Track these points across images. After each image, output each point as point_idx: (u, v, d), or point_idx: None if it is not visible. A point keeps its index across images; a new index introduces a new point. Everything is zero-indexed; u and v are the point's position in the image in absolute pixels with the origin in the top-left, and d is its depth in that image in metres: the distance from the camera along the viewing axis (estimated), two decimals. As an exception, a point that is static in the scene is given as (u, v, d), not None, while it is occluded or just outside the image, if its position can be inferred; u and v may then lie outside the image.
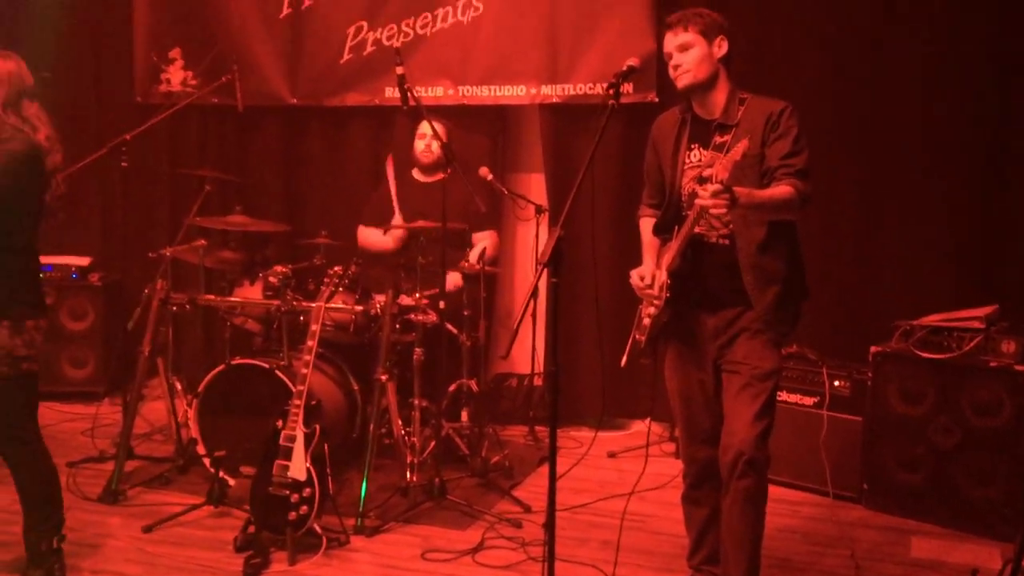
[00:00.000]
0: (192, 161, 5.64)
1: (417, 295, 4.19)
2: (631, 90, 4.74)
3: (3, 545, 3.50)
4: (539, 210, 5.00)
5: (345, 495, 3.99)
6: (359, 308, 4.27)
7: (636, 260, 3.16)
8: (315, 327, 3.71)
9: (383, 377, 3.99)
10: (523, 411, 5.14)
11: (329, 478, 3.60)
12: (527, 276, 5.46)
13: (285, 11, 5.50)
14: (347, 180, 5.57)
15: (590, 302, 4.91)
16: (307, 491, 3.50)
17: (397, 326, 4.21)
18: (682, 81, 2.94)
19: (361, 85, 5.42)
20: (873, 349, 4.09)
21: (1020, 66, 4.31)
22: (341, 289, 3.96)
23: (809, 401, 4.24)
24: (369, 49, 5.38)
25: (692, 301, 3.00)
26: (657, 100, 4.80)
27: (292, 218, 5.46)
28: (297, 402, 3.57)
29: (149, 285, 4.40)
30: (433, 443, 4.20)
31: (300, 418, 3.55)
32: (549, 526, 2.66)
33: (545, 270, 2.53)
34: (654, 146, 3.16)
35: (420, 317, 4.17)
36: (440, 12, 5.25)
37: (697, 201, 2.66)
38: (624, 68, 2.82)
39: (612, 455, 4.75)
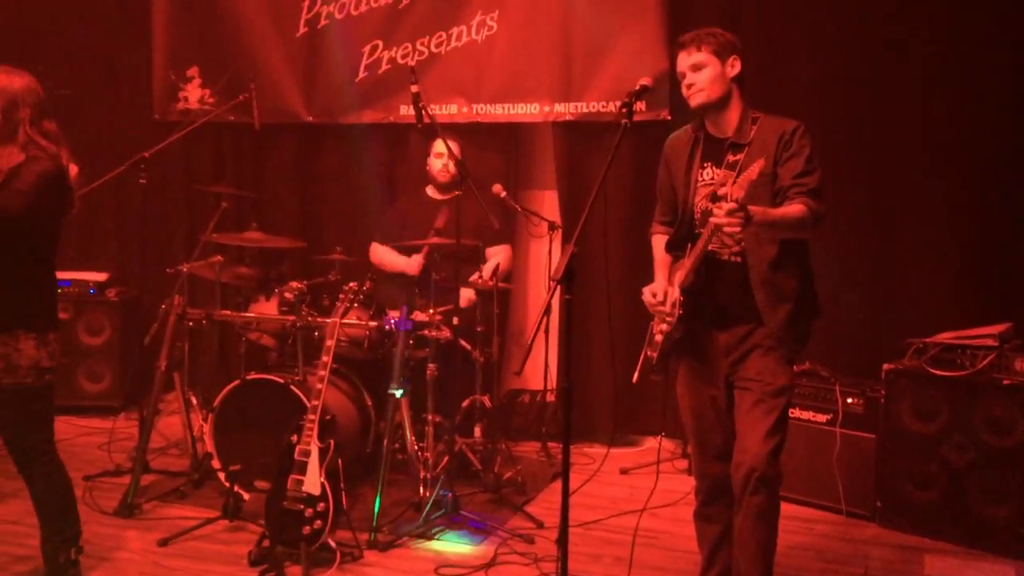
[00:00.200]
0: (208, 178, 5.70)
1: (431, 311, 4.21)
2: (644, 108, 4.76)
3: (21, 558, 3.53)
4: (552, 227, 5.03)
5: (359, 510, 4.00)
6: (373, 324, 4.30)
7: (648, 277, 3.18)
8: (330, 342, 3.74)
9: (397, 392, 4.01)
10: (536, 427, 5.15)
11: (343, 493, 3.61)
12: (540, 292, 5.48)
13: (302, 30, 5.57)
14: (362, 197, 5.61)
15: (602, 318, 4.93)
16: (321, 506, 3.52)
17: (411, 342, 4.24)
18: (695, 100, 2.97)
19: (376, 103, 5.48)
20: (886, 366, 4.09)
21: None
22: (356, 305, 3.99)
23: (822, 418, 4.24)
24: (384, 67, 5.44)
25: (704, 318, 3.02)
26: (670, 118, 4.83)
27: (307, 234, 5.50)
28: (312, 417, 3.60)
29: (166, 300, 4.44)
30: (446, 458, 4.21)
31: (315, 433, 3.58)
32: (562, 542, 2.67)
33: (558, 287, 2.55)
34: (666, 164, 3.18)
35: (434, 333, 4.19)
36: (455, 31, 5.31)
37: (712, 219, 2.68)
38: (637, 87, 2.85)
39: (624, 471, 4.75)
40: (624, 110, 2.78)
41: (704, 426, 3.12)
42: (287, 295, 4.31)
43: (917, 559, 3.78)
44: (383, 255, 5.01)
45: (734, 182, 2.81)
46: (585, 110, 5.12)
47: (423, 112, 4.07)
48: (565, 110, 5.16)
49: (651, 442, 5.18)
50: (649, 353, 3.11)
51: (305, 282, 4.39)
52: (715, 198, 2.89)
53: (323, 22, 5.53)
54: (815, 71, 4.71)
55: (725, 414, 3.06)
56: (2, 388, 3.01)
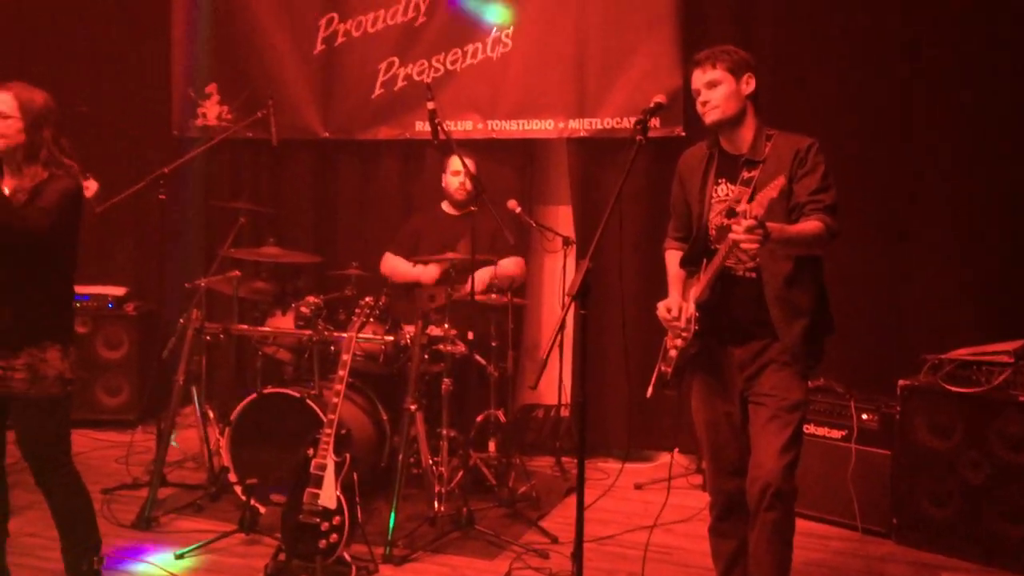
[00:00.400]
0: (226, 193, 5.76)
1: (446, 326, 4.23)
2: (658, 124, 4.77)
3: (42, 571, 3.56)
4: (566, 242, 5.05)
5: (374, 524, 4.02)
6: (389, 338, 4.32)
7: (662, 292, 3.20)
8: (346, 357, 3.76)
9: (412, 407, 4.04)
10: (550, 442, 5.16)
11: (358, 507, 3.63)
12: (554, 307, 5.50)
13: (319, 48, 5.63)
14: (377, 212, 5.66)
15: (617, 333, 4.93)
16: (337, 519, 3.53)
17: (426, 356, 4.26)
18: (710, 117, 2.99)
19: (392, 119, 5.53)
20: (901, 383, 4.08)
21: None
22: (371, 319, 4.02)
23: (837, 434, 4.23)
24: (400, 84, 5.49)
25: (719, 333, 3.03)
26: (684, 134, 4.85)
27: (323, 249, 5.53)
28: (328, 431, 3.62)
29: (184, 315, 4.48)
30: (461, 473, 4.22)
31: (331, 447, 3.60)
32: (577, 557, 2.68)
33: (573, 303, 2.57)
34: (681, 180, 3.20)
35: (449, 348, 4.21)
36: (470, 48, 5.35)
37: (731, 235, 2.70)
38: (651, 105, 2.88)
39: (639, 487, 4.75)
40: (639, 127, 2.80)
41: (719, 441, 3.12)
42: (303, 310, 4.35)
43: (933, 576, 3.77)
44: (396, 265, 5.01)
45: (750, 199, 2.83)
46: (599, 126, 5.16)
47: (439, 128, 4.11)
48: (579, 126, 5.19)
49: (665, 457, 5.17)
50: (663, 368, 3.12)
51: (321, 297, 4.43)
52: (732, 214, 2.91)
53: (340, 40, 5.59)
54: (829, 87, 4.72)
55: (740, 430, 3.06)
56: (28, 399, 3.06)
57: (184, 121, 5.90)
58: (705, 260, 3.01)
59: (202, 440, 4.57)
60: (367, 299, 3.99)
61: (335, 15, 5.58)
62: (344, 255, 5.31)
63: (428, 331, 4.26)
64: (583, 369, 2.79)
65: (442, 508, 4.04)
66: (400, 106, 5.49)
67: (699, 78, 2.99)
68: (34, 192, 3.01)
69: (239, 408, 4.18)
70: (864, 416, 4.18)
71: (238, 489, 4.13)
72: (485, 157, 5.18)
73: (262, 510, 4.00)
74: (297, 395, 4.10)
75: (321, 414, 3.88)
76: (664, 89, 4.66)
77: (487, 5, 5.30)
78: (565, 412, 5.22)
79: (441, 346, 4.23)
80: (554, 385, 5.08)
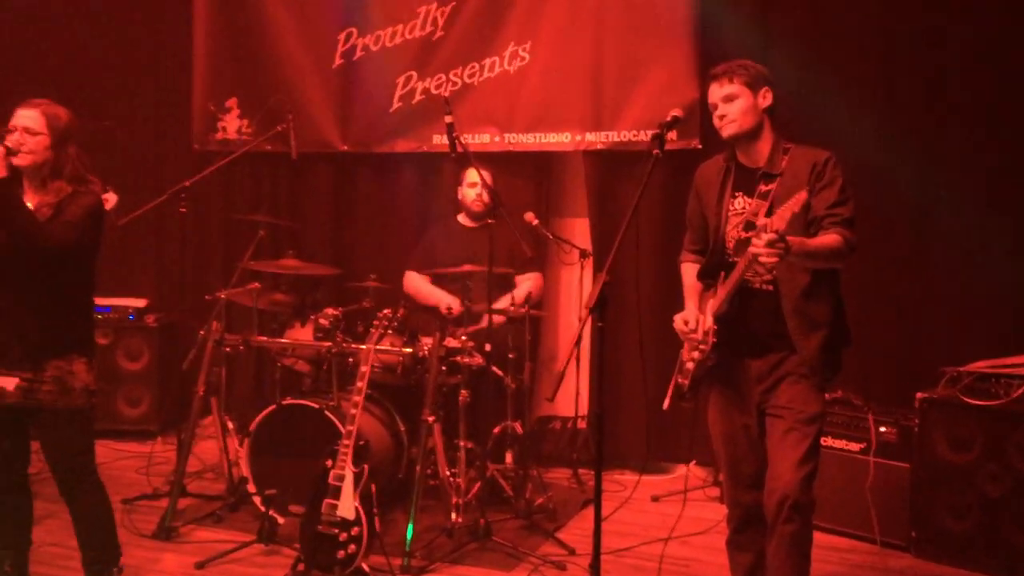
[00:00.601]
0: (246, 206, 5.81)
1: (463, 338, 4.25)
2: (675, 136, 4.81)
3: (63, 579, 3.60)
4: (583, 254, 5.06)
5: (391, 535, 4.02)
6: (407, 350, 4.35)
7: (679, 304, 3.21)
8: (364, 369, 3.79)
9: (429, 418, 4.05)
10: (567, 453, 5.16)
11: (376, 517, 3.65)
12: (571, 319, 5.51)
13: (337, 62, 5.68)
14: (395, 225, 5.69)
15: (633, 345, 4.92)
16: (355, 530, 3.55)
17: (443, 368, 4.28)
18: (727, 131, 3.00)
19: (410, 132, 5.57)
20: (919, 395, 4.07)
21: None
22: (389, 331, 4.04)
23: (855, 447, 4.21)
24: (418, 98, 5.53)
25: (737, 346, 3.03)
26: (700, 147, 4.86)
27: (342, 262, 5.57)
28: (346, 442, 3.64)
29: (204, 326, 4.52)
30: (478, 484, 4.23)
31: (349, 458, 3.62)
32: (594, 568, 2.69)
33: (591, 315, 2.59)
34: (697, 193, 3.22)
35: (466, 359, 4.23)
36: (487, 62, 5.39)
37: (751, 249, 2.71)
38: (668, 119, 2.90)
39: (656, 499, 4.74)
40: (656, 141, 2.82)
41: (736, 454, 3.13)
42: (322, 322, 4.37)
43: (953, 590, 3.75)
44: (419, 285, 5.05)
45: (767, 212, 2.84)
46: (616, 139, 5.18)
47: (456, 142, 4.14)
48: (596, 139, 5.22)
49: (682, 469, 5.15)
50: (680, 380, 3.13)
51: (340, 309, 4.45)
52: (750, 227, 2.91)
53: (359, 54, 5.64)
54: (846, 100, 4.72)
55: (757, 442, 3.06)
56: (57, 411, 3.10)
57: (204, 135, 5.96)
58: (722, 273, 3.02)
59: (221, 451, 4.60)
60: (385, 311, 4.00)
61: (354, 30, 5.64)
62: (362, 267, 5.34)
63: (445, 343, 4.28)
64: (600, 381, 2.81)
65: (459, 519, 4.05)
66: (418, 119, 5.53)
67: (716, 92, 3.01)
68: (58, 207, 3.07)
69: (258, 419, 4.21)
70: (882, 429, 4.17)
71: (257, 500, 4.15)
72: (502, 170, 5.21)
73: (281, 521, 4.02)
74: (316, 406, 4.12)
75: (339, 425, 3.90)
76: (681, 102, 4.69)
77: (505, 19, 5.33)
78: (582, 424, 5.22)
79: (458, 358, 4.25)
80: (571, 397, 5.09)
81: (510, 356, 4.51)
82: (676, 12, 5.01)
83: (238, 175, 5.92)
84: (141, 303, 5.73)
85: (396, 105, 5.58)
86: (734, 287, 2.94)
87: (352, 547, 3.55)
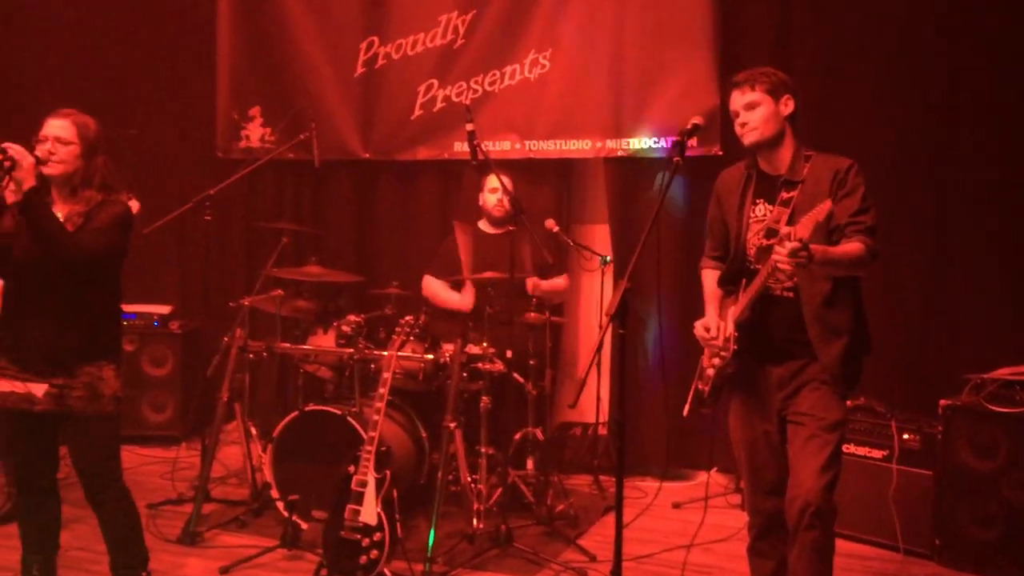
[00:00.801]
0: (269, 214, 5.86)
1: (484, 344, 4.27)
2: (695, 143, 4.77)
3: (90, 583, 3.65)
4: (604, 261, 5.07)
5: (413, 540, 4.05)
6: (428, 357, 4.37)
7: (699, 311, 3.21)
8: (387, 375, 3.81)
9: (451, 424, 4.07)
10: (587, 460, 5.16)
11: (398, 523, 3.67)
12: (592, 325, 5.52)
13: (359, 71, 5.72)
14: (417, 232, 5.73)
15: (654, 352, 4.95)
16: (377, 535, 3.57)
17: (465, 375, 4.30)
18: (749, 138, 3.01)
19: (431, 140, 5.60)
20: (943, 402, 4.05)
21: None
22: (411, 338, 4.06)
23: (878, 454, 4.19)
24: (439, 105, 5.57)
25: (758, 353, 3.03)
26: (721, 153, 4.87)
27: (364, 268, 5.61)
28: (369, 448, 3.66)
29: (228, 333, 4.56)
30: (499, 490, 4.25)
31: (371, 464, 3.64)
32: (616, 575, 2.69)
33: (612, 322, 2.60)
34: (718, 200, 3.22)
35: (487, 366, 4.24)
36: (508, 69, 5.42)
37: (773, 257, 2.71)
38: (689, 126, 2.90)
39: (677, 505, 4.74)
40: (676, 149, 2.83)
41: (757, 461, 3.12)
42: (344, 328, 4.41)
43: (977, 599, 3.72)
44: (436, 289, 5.08)
45: (789, 219, 2.84)
46: (637, 146, 5.19)
47: (477, 149, 4.17)
48: (616, 146, 5.23)
49: (703, 476, 5.15)
50: (700, 386, 3.13)
51: (362, 315, 4.49)
52: (772, 234, 2.91)
53: (380, 62, 5.69)
54: (867, 107, 4.72)
55: (778, 449, 3.06)
56: (87, 417, 3.14)
57: (228, 143, 6.02)
58: (744, 280, 3.02)
59: (245, 456, 4.64)
60: (407, 318, 4.03)
61: (375, 38, 5.68)
62: (384, 274, 5.38)
63: (467, 349, 4.30)
64: (622, 389, 2.81)
65: (481, 525, 4.06)
66: (439, 127, 5.56)
67: (738, 100, 3.02)
68: (88, 216, 3.11)
69: (281, 425, 4.24)
70: (905, 436, 4.15)
71: (280, 505, 4.19)
72: (523, 177, 5.23)
73: (304, 526, 4.05)
74: (338, 412, 4.15)
75: (362, 431, 3.93)
76: (701, 109, 4.71)
77: (525, 27, 5.36)
78: (603, 430, 5.23)
79: (480, 364, 4.27)
80: (592, 403, 5.10)
81: (531, 363, 4.53)
82: (696, 19, 5.02)
83: (261, 183, 5.97)
84: (166, 310, 5.79)
85: (417, 113, 5.61)
86: (756, 294, 2.94)
87: (374, 552, 3.56)
